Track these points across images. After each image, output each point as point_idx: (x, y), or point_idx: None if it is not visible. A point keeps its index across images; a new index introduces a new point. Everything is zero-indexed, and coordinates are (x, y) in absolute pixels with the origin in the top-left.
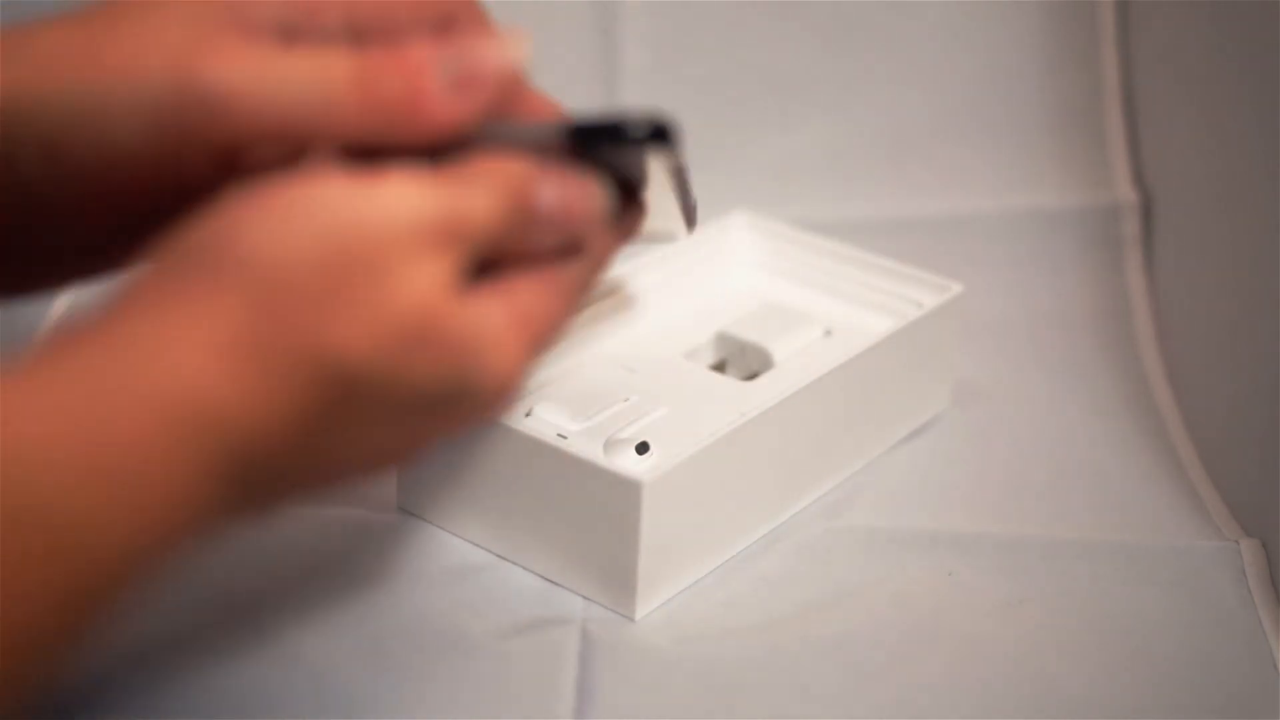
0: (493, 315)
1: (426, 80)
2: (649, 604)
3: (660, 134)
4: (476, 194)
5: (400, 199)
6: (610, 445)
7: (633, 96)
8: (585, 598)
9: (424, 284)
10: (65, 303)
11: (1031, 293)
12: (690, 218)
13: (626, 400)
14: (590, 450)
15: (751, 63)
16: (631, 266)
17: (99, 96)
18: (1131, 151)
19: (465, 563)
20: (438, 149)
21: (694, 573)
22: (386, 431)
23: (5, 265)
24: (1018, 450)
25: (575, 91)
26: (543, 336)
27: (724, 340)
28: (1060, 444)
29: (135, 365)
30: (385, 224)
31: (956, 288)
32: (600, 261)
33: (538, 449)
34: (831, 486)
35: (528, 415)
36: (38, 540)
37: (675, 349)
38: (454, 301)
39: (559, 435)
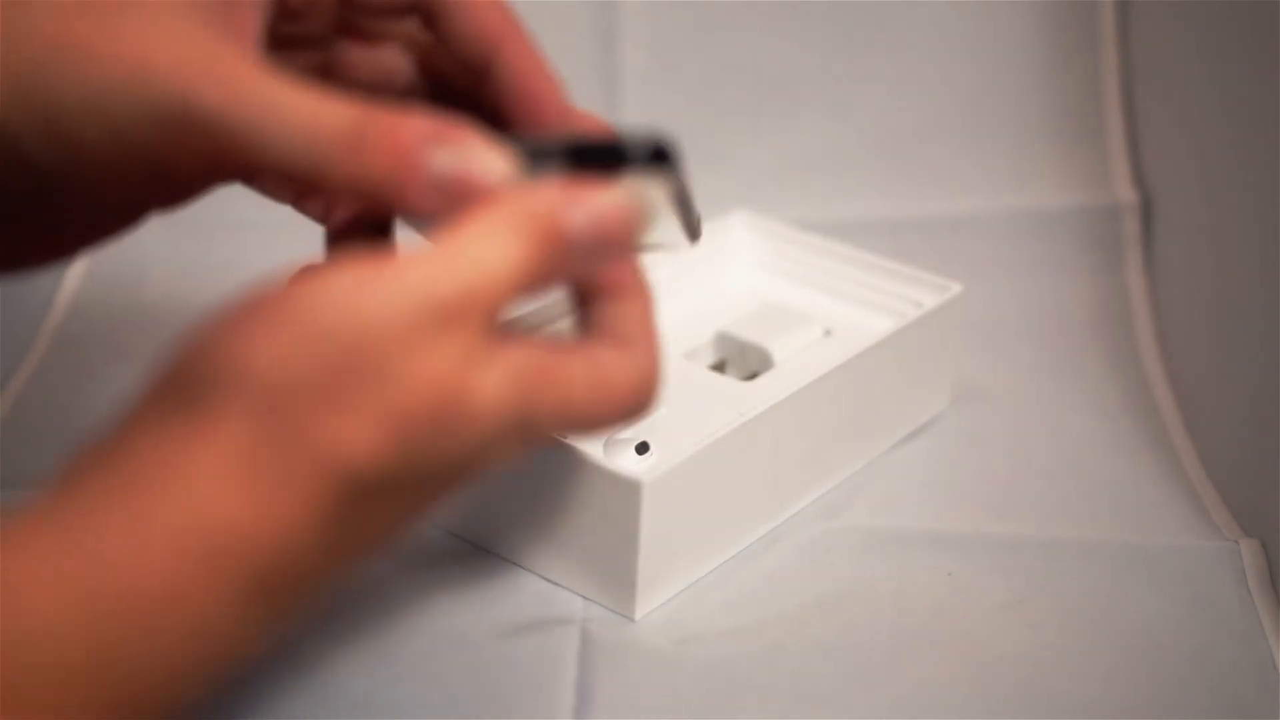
0: (506, 393)
1: (414, 170)
2: (649, 604)
3: (660, 155)
4: (495, 249)
5: (403, 288)
6: (610, 445)
7: (633, 96)
8: (585, 598)
9: (435, 367)
10: (80, 271)
11: (1031, 293)
12: (694, 231)
13: None
14: (590, 450)
15: (751, 63)
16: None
17: (108, 93)
18: (1131, 151)
19: (465, 563)
20: None
21: (694, 573)
22: (406, 511)
23: (10, 235)
24: (1018, 450)
25: (575, 91)
26: (597, 417)
27: (724, 340)
28: (1060, 444)
29: (150, 503)
30: (389, 318)
31: (956, 288)
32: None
33: (537, 449)
34: (831, 486)
35: None
36: (75, 696)
37: (675, 349)
38: (471, 377)
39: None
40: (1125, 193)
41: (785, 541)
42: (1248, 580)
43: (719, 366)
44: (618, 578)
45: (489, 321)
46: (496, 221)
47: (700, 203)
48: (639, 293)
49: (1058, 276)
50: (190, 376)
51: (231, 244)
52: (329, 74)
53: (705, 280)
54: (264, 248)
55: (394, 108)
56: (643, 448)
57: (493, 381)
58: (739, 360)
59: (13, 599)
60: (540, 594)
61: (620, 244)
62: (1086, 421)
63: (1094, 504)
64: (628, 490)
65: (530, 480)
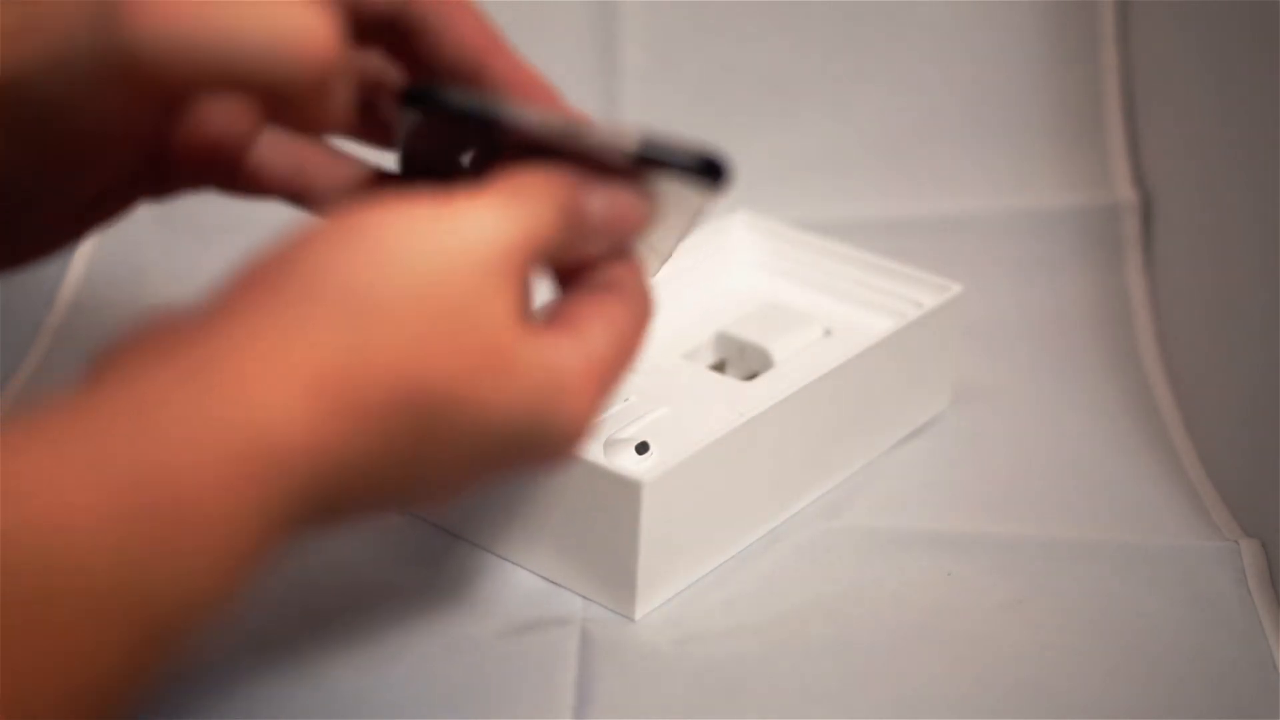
0: (570, 359)
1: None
2: (649, 604)
3: (717, 173)
4: (537, 208)
5: (480, 228)
6: (610, 445)
7: (633, 96)
8: (585, 598)
9: (501, 313)
10: (80, 271)
11: (1031, 293)
12: (668, 257)
13: (626, 400)
14: (590, 450)
15: (751, 63)
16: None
17: (31, 71)
18: (1131, 151)
19: (465, 563)
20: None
21: (694, 573)
22: (460, 465)
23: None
24: (1018, 450)
25: (575, 91)
26: (610, 384)
27: (724, 340)
28: (1060, 444)
29: (214, 402)
30: (473, 254)
31: (956, 288)
32: (647, 305)
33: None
34: (831, 486)
35: None
36: (86, 606)
37: (675, 349)
38: (528, 334)
39: None
40: (1125, 193)
41: (785, 541)
42: (1248, 580)
43: (719, 366)
44: (618, 578)
45: (535, 272)
46: (532, 184)
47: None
48: (629, 255)
49: (1058, 276)
50: (279, 280)
51: (230, 245)
52: None
53: (705, 280)
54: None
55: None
56: (643, 448)
57: (558, 353)
58: (739, 360)
59: (41, 493)
60: (540, 594)
61: (627, 233)
62: (1086, 421)
63: (1094, 504)
64: (628, 490)
65: (530, 480)
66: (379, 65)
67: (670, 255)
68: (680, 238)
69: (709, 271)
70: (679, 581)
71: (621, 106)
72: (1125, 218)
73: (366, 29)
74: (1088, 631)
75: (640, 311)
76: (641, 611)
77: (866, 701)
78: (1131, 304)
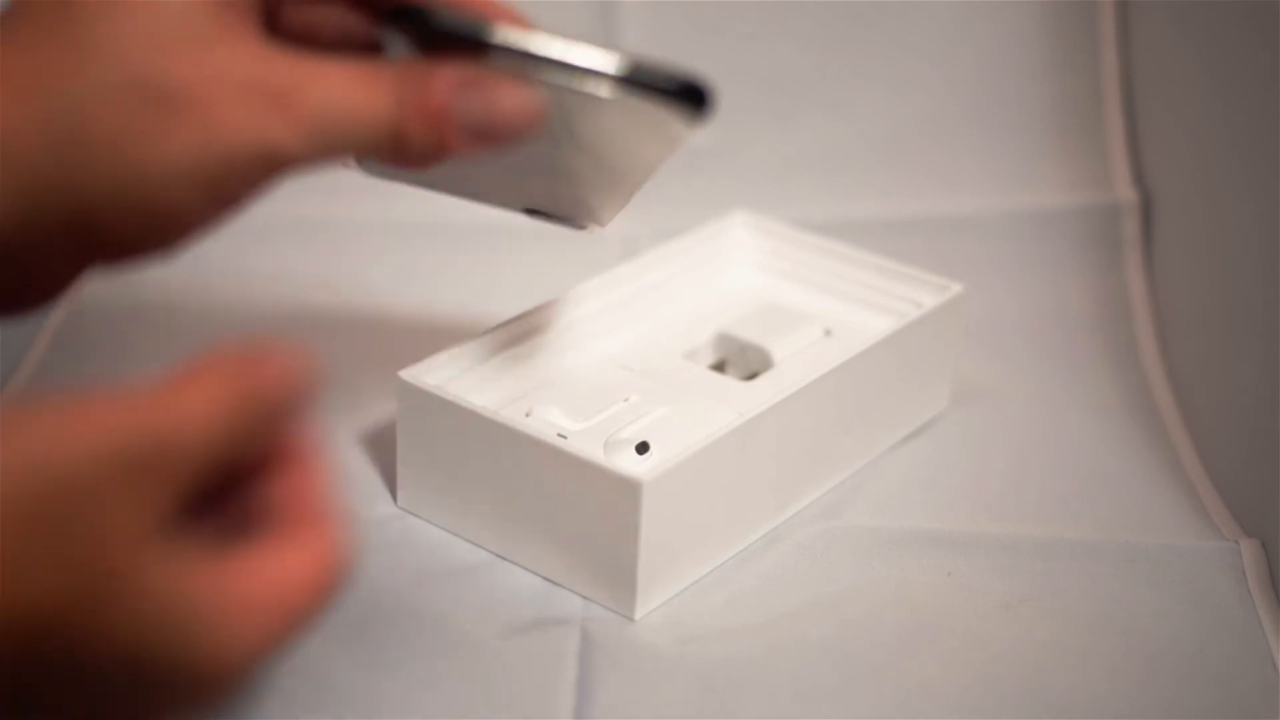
0: (212, 584)
1: (450, 128)
2: (649, 604)
3: (700, 100)
4: (195, 400)
5: (98, 435)
6: (610, 445)
7: None
8: (585, 598)
9: (121, 527)
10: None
11: (1031, 293)
12: (641, 184)
13: (626, 400)
14: (590, 450)
15: (751, 63)
16: (632, 267)
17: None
18: (1131, 151)
19: (465, 563)
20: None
21: (694, 573)
22: (84, 704)
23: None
24: (1018, 450)
25: None
26: (276, 619)
27: (724, 340)
28: (1060, 444)
29: None
30: (82, 468)
31: (956, 288)
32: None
33: (538, 449)
34: (831, 486)
35: (528, 415)
36: None
37: (675, 349)
38: (157, 550)
39: (559, 435)
40: (1125, 193)
41: (785, 541)
42: (1248, 580)
43: (719, 366)
44: (618, 578)
45: (185, 481)
46: (203, 373)
47: (701, 202)
48: (308, 465)
49: (1058, 276)
50: None
51: (229, 244)
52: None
53: (705, 280)
54: (261, 248)
55: (422, 66)
56: (643, 448)
57: (197, 574)
58: (739, 360)
59: None
60: (540, 594)
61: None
62: (1086, 421)
63: (1094, 504)
64: (628, 490)
65: (530, 480)
66: None
67: (644, 183)
68: (656, 166)
69: (709, 271)
70: (679, 581)
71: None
72: (1125, 218)
73: None
74: (1088, 631)
75: (325, 550)
76: (641, 611)
77: (866, 701)
78: (1131, 304)
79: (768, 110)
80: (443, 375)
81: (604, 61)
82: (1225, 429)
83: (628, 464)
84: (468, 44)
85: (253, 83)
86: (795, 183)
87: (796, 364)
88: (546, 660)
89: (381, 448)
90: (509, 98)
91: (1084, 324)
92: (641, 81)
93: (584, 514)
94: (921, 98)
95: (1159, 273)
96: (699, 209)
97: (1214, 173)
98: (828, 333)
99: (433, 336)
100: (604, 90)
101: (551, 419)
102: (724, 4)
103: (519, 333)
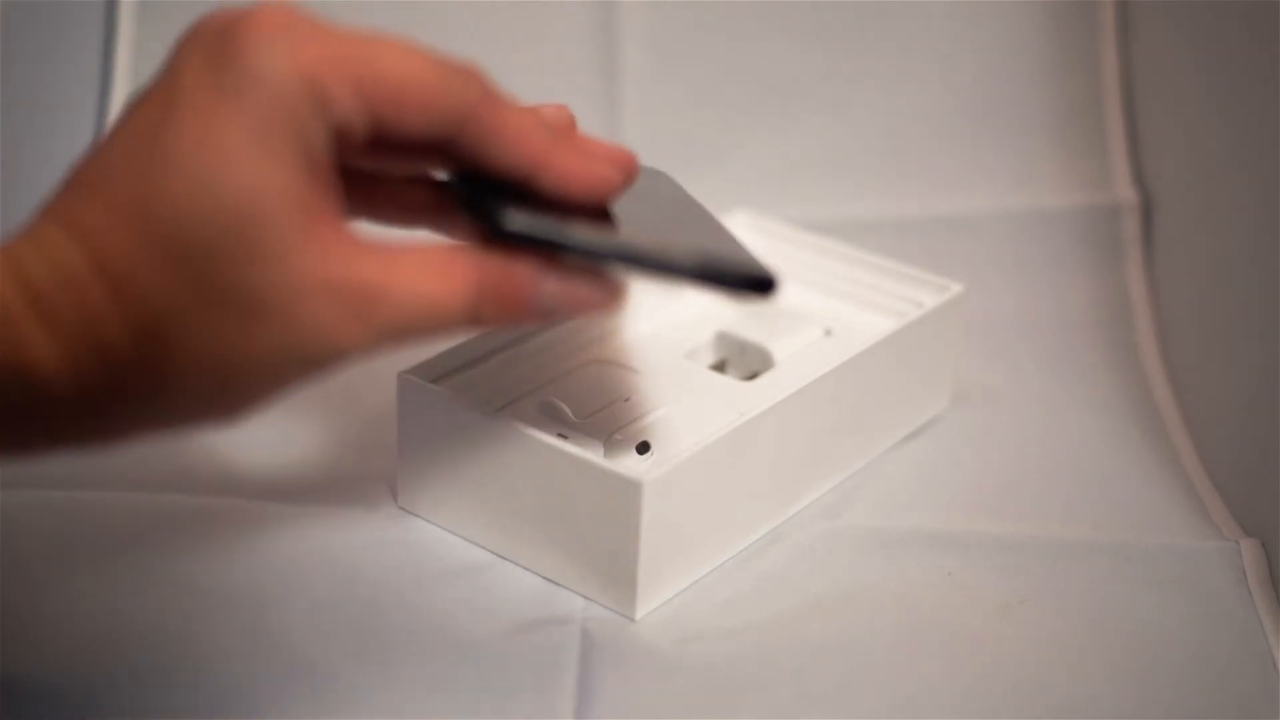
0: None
1: (530, 308)
2: (649, 604)
3: (768, 287)
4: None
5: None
6: (610, 445)
7: (633, 96)
8: (585, 598)
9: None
10: None
11: (1031, 293)
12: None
13: (626, 400)
14: (590, 450)
15: (751, 63)
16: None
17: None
18: (1131, 151)
19: (465, 563)
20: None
21: (694, 573)
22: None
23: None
24: (1018, 450)
25: (575, 91)
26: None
27: (724, 340)
28: (1060, 444)
29: None
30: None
31: (956, 288)
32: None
33: (538, 449)
34: (831, 486)
35: (528, 414)
36: None
37: (675, 349)
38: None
39: (559, 435)
40: (1125, 193)
41: (785, 541)
42: (1248, 580)
43: (719, 366)
44: (618, 578)
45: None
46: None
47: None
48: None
49: (1058, 276)
50: None
51: None
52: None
53: None
54: None
55: (500, 257)
56: (643, 448)
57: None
58: (739, 360)
59: None
60: (540, 594)
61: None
62: (1086, 421)
63: (1094, 504)
64: (628, 490)
65: (530, 480)
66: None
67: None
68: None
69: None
70: (679, 581)
71: (621, 106)
72: (1125, 218)
73: (427, 146)
74: (1088, 631)
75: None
76: (642, 611)
77: (866, 701)
78: (1131, 304)
79: (768, 110)
80: (443, 375)
81: (679, 261)
82: (1225, 429)
83: (628, 464)
84: (548, 246)
85: (333, 287)
86: (795, 183)
87: (797, 364)
88: (547, 660)
89: (381, 448)
90: (588, 292)
91: (1084, 324)
92: (713, 278)
93: (584, 514)
94: (921, 98)
95: (1159, 273)
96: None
97: (1214, 173)
98: (828, 333)
99: None
100: (680, 283)
101: (551, 419)
102: (724, 4)
103: (519, 333)
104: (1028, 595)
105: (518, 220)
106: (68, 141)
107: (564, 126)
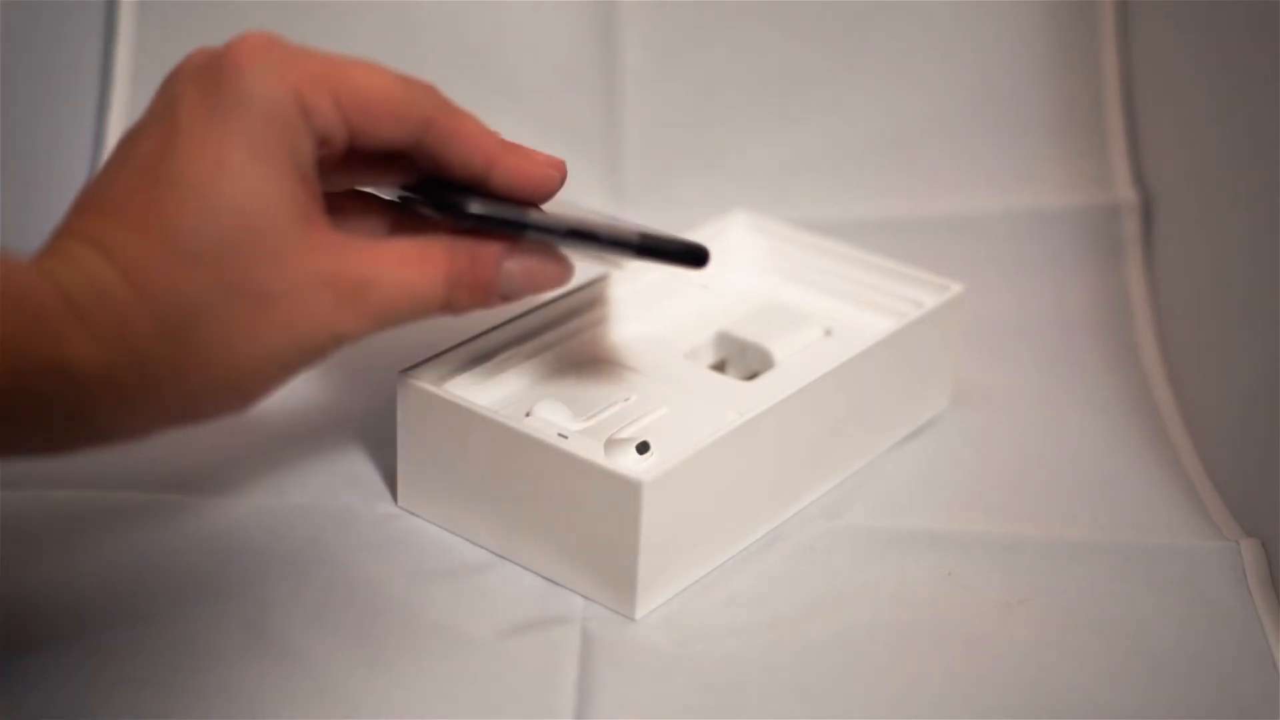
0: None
1: (494, 287)
2: (649, 604)
3: (701, 259)
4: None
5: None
6: (610, 445)
7: (633, 96)
8: (585, 598)
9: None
10: None
11: (1031, 293)
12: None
13: (626, 400)
14: (590, 450)
15: (751, 63)
16: (633, 266)
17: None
18: (1131, 151)
19: (465, 563)
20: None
21: (694, 572)
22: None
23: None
24: (1018, 450)
25: (575, 92)
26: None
27: (724, 340)
28: (1060, 444)
29: None
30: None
31: (956, 288)
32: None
33: (538, 449)
34: (831, 486)
35: (528, 415)
36: None
37: (675, 349)
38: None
39: (559, 435)
40: (1125, 193)
41: (785, 541)
42: (1248, 580)
43: (719, 366)
44: (618, 578)
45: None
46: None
47: (700, 203)
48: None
49: (1058, 276)
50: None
51: None
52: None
53: (706, 280)
54: None
55: (467, 244)
56: (643, 448)
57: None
58: (739, 360)
59: None
60: (540, 594)
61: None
62: (1086, 421)
63: (1094, 504)
64: (628, 490)
65: (530, 480)
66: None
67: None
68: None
69: (709, 272)
70: (679, 581)
71: (622, 106)
72: (1125, 218)
73: (392, 153)
74: (1088, 631)
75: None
76: (641, 611)
77: (866, 701)
78: (1131, 304)
79: (768, 110)
80: (443, 375)
81: (625, 236)
82: (1225, 429)
83: (628, 464)
84: (507, 226)
85: (328, 279)
86: (795, 183)
87: (797, 364)
88: (547, 660)
89: (381, 448)
90: (543, 270)
91: (1084, 324)
92: (655, 251)
93: (584, 514)
94: (921, 98)
95: (1159, 273)
96: (699, 209)
97: (1214, 173)
98: (828, 333)
99: (432, 336)
100: (624, 259)
101: (551, 419)
102: (724, 4)
103: (519, 333)
104: (1028, 595)
105: (480, 205)
106: (68, 141)
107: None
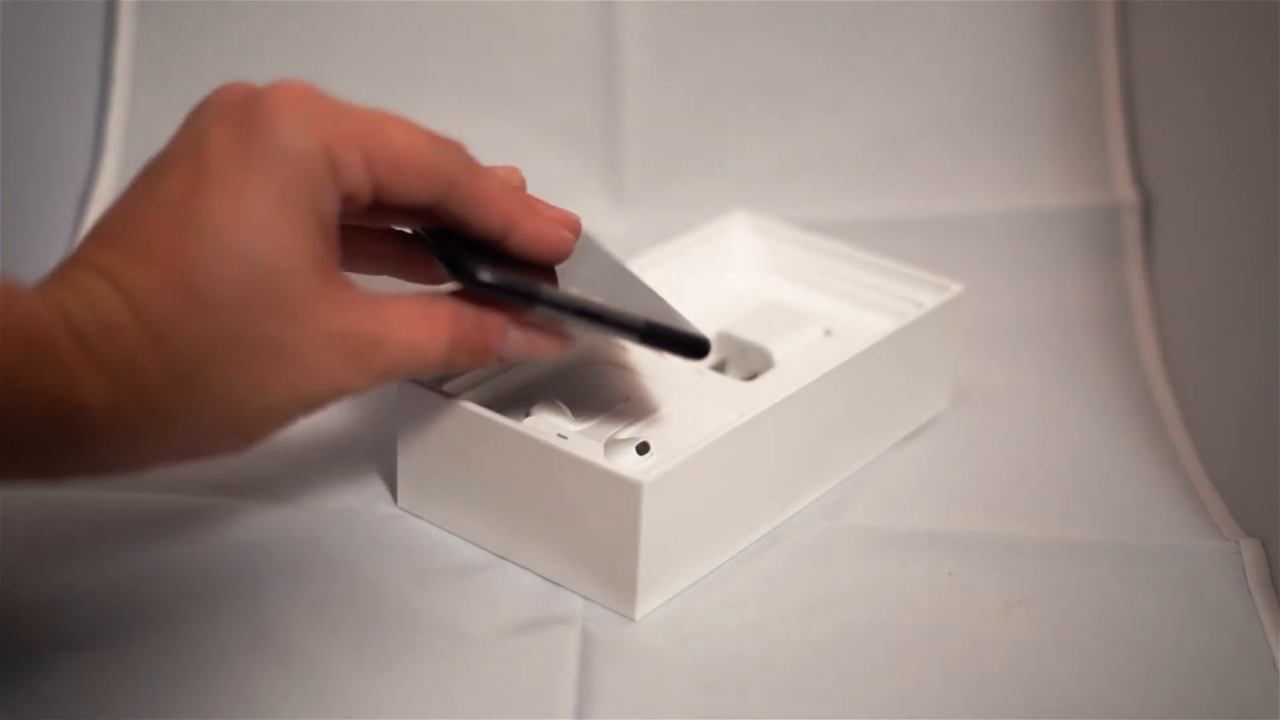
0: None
1: (491, 359)
2: (649, 604)
3: (701, 351)
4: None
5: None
6: (610, 445)
7: (633, 96)
8: (585, 598)
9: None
10: None
11: (1031, 293)
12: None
13: (626, 400)
14: (590, 450)
15: (751, 63)
16: (633, 266)
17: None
18: (1131, 151)
19: (465, 563)
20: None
21: (694, 573)
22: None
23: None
24: (1018, 450)
25: (575, 92)
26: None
27: (724, 340)
28: (1060, 444)
29: None
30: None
31: (956, 288)
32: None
33: (538, 449)
34: (831, 486)
35: (528, 415)
36: None
37: None
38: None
39: (559, 435)
40: (1125, 193)
41: (785, 541)
42: (1248, 580)
43: (719, 366)
44: (618, 578)
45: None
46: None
47: (700, 203)
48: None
49: (1058, 276)
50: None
51: None
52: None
53: (705, 280)
54: None
55: (473, 309)
56: (643, 448)
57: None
58: (739, 360)
59: None
60: (540, 594)
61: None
62: (1086, 421)
63: (1094, 504)
64: (628, 490)
65: (530, 481)
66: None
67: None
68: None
69: (709, 272)
70: (679, 581)
71: (622, 106)
72: (1125, 218)
73: (414, 209)
74: (1088, 631)
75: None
76: (641, 611)
77: (866, 701)
78: (1131, 304)
79: (768, 110)
80: (443, 376)
81: (630, 322)
82: (1225, 429)
83: (628, 464)
84: (517, 298)
85: (340, 337)
86: (795, 183)
87: (797, 364)
88: (547, 660)
89: (381, 448)
90: (544, 341)
91: (1084, 324)
92: (658, 339)
93: (584, 514)
94: (921, 98)
95: (1159, 272)
96: (699, 209)
97: (1214, 173)
98: (828, 333)
99: None
100: (628, 341)
101: (551, 419)
102: (724, 4)
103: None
104: (1028, 595)
105: (491, 275)
106: (68, 142)
107: (517, 186)
